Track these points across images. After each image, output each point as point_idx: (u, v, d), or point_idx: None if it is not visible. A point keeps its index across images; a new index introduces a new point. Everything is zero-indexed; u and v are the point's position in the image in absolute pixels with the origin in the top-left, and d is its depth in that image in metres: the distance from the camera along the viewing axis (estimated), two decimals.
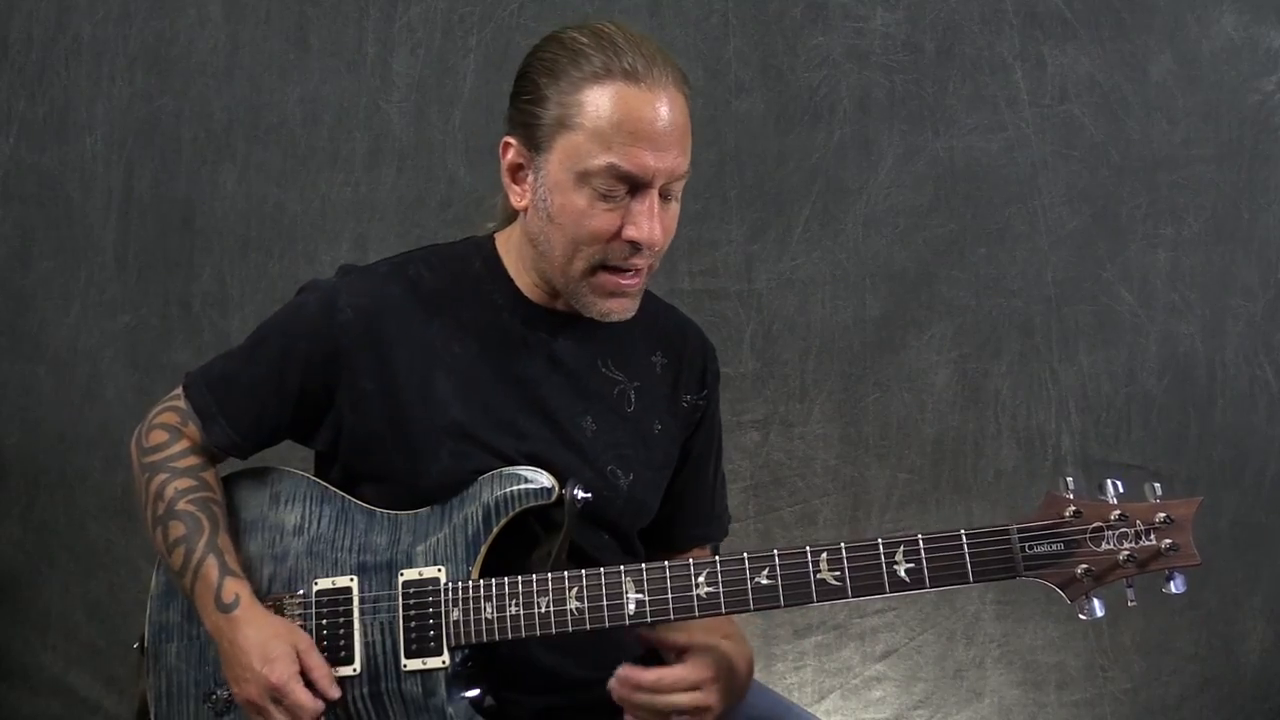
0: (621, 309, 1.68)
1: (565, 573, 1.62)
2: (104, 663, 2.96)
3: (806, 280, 3.00)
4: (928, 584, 1.53)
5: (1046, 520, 1.52)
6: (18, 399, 2.99)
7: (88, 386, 2.98)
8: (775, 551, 1.55)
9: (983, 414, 3.02)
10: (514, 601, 1.62)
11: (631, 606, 1.59)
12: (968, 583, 1.53)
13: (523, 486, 1.66)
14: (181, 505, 1.70)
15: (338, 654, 1.66)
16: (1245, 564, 3.03)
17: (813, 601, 1.56)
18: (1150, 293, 3.01)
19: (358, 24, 2.98)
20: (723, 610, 1.58)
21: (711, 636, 1.64)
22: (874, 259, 3.01)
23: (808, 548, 1.55)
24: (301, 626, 1.68)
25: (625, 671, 1.59)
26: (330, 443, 1.76)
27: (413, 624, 1.64)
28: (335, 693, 1.63)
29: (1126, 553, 1.49)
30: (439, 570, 1.65)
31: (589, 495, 1.66)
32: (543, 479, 1.66)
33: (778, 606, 1.57)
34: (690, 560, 1.60)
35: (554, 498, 1.65)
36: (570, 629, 1.61)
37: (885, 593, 1.54)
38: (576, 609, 1.60)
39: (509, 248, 1.76)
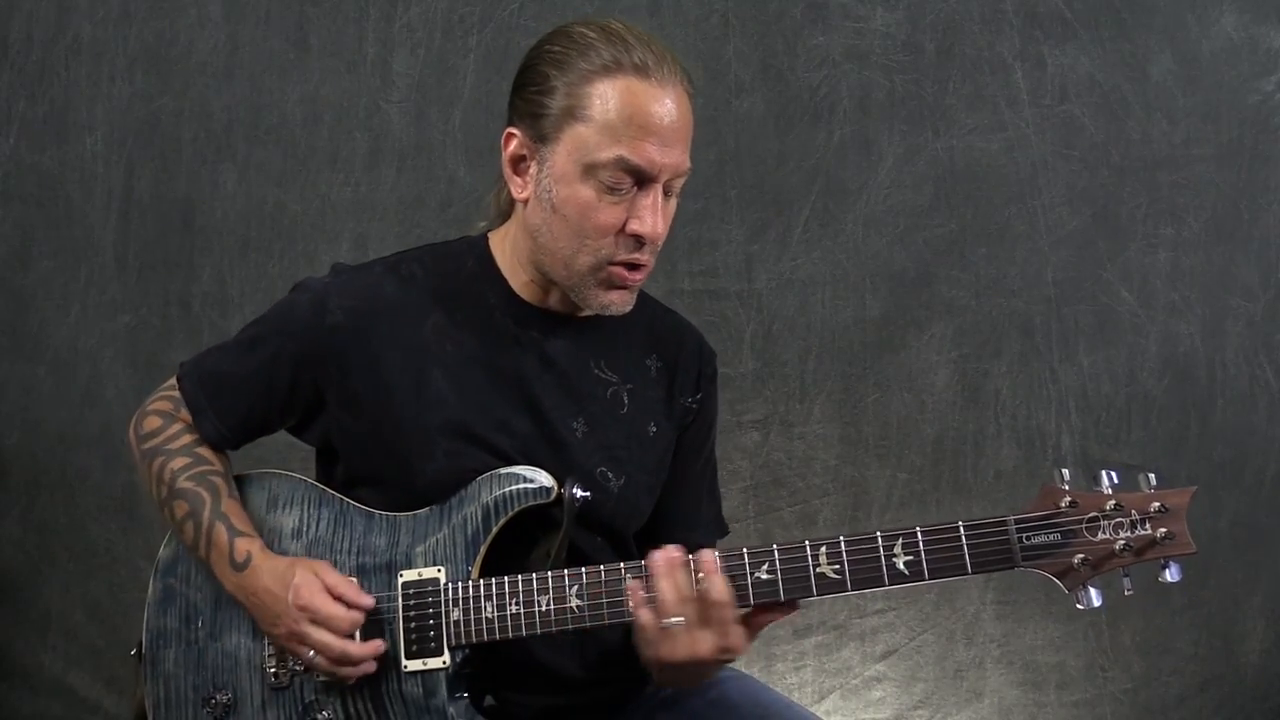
0: (622, 302, 1.68)
1: (565, 571, 1.62)
2: (104, 663, 2.96)
3: (806, 280, 3.00)
4: (926, 576, 1.53)
5: (1043, 511, 1.53)
6: (18, 399, 2.99)
7: (88, 386, 2.98)
8: (774, 546, 1.56)
9: (983, 414, 3.02)
10: (514, 601, 1.62)
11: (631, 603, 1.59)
12: (966, 574, 1.54)
13: (522, 486, 1.66)
14: (182, 483, 1.72)
15: None
16: (1245, 564, 3.04)
17: (813, 595, 1.56)
18: (1150, 293, 3.02)
19: (358, 24, 2.98)
20: None
21: None
22: (874, 259, 3.01)
23: (806, 542, 1.55)
24: None
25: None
26: (324, 441, 1.77)
27: (413, 625, 1.64)
28: (368, 600, 1.63)
29: (1122, 542, 1.51)
30: (438, 570, 1.65)
31: (588, 494, 1.66)
32: (542, 478, 1.66)
33: (777, 601, 1.57)
34: (688, 556, 1.59)
35: (553, 497, 1.65)
36: (571, 627, 1.61)
37: (885, 585, 1.54)
38: (577, 607, 1.60)
39: (503, 246, 1.77)
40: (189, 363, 1.81)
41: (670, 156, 1.60)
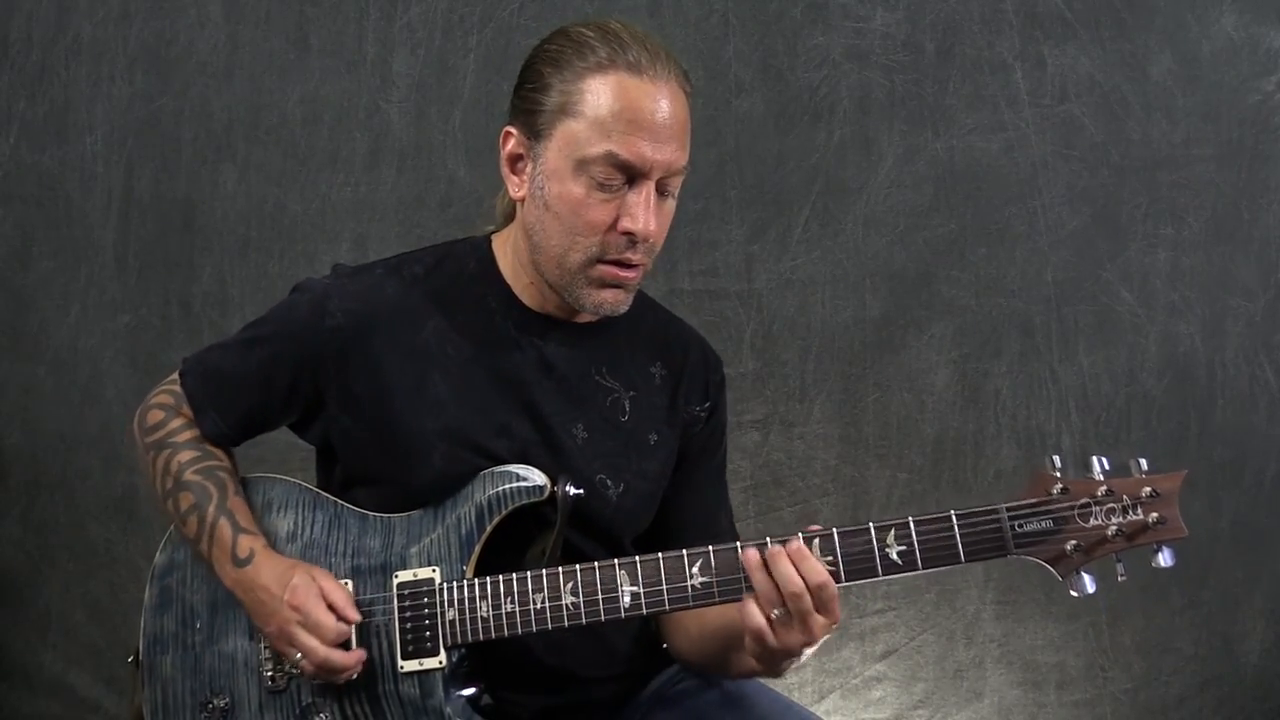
0: (615, 301, 1.67)
1: (559, 568, 1.61)
2: (104, 663, 2.96)
3: (806, 280, 3.00)
4: (920, 565, 1.54)
5: (1034, 498, 1.54)
6: (18, 399, 2.99)
7: (88, 386, 2.98)
8: (768, 539, 1.55)
9: (983, 414, 3.02)
10: (509, 599, 1.62)
11: (626, 599, 1.59)
12: (959, 563, 1.53)
13: (515, 485, 1.66)
14: (188, 476, 1.73)
15: None
16: (1245, 564, 3.04)
17: None
18: (1150, 293, 3.02)
19: (358, 24, 2.98)
20: (717, 600, 1.58)
21: None
22: (874, 259, 3.01)
23: (800, 534, 1.54)
24: None
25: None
26: (323, 440, 1.77)
27: (408, 625, 1.64)
28: (355, 615, 1.63)
29: (1114, 527, 1.51)
30: (433, 571, 1.65)
31: (580, 491, 1.66)
32: (535, 477, 1.66)
33: None
34: (684, 550, 1.59)
35: (546, 495, 1.65)
36: (566, 624, 1.60)
37: (879, 575, 1.54)
38: (572, 604, 1.60)
39: (505, 250, 1.76)
40: (191, 359, 1.81)
41: (662, 153, 1.59)
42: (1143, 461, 1.53)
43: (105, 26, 2.97)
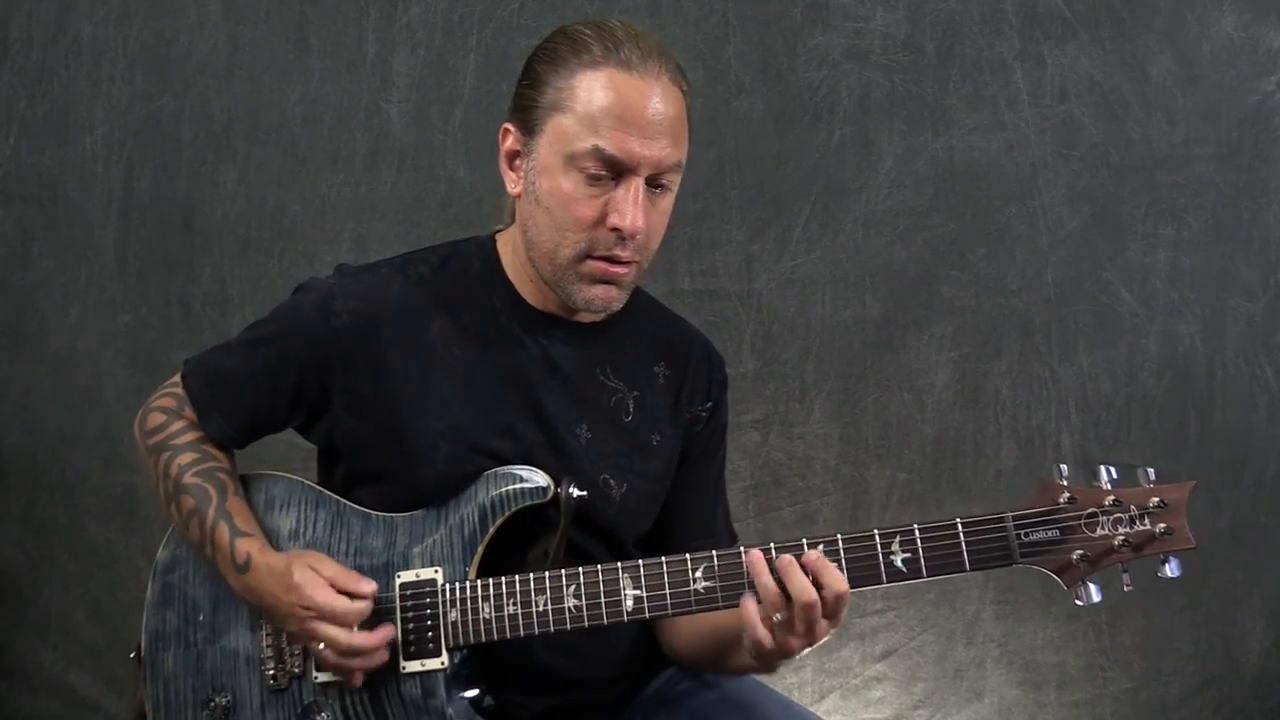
0: (606, 297, 1.66)
1: (562, 571, 1.61)
2: (104, 663, 2.95)
3: (806, 280, 3.00)
4: (924, 574, 1.52)
5: (1041, 507, 1.52)
6: (18, 399, 2.99)
7: (88, 386, 2.98)
8: (772, 545, 1.54)
9: (983, 414, 3.02)
10: (511, 601, 1.62)
11: (629, 603, 1.59)
12: (964, 571, 1.52)
13: (518, 486, 1.65)
14: (188, 478, 1.72)
15: None
16: (1245, 564, 3.04)
17: None
18: (1150, 293, 3.02)
19: (358, 24, 2.98)
20: (720, 605, 1.57)
21: None
22: (874, 259, 3.01)
23: (804, 540, 1.54)
24: None
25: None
26: (326, 441, 1.77)
27: (410, 626, 1.64)
28: (368, 587, 1.63)
29: (1121, 537, 1.50)
30: (436, 571, 1.65)
31: (584, 493, 1.66)
32: (538, 478, 1.65)
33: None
34: (687, 555, 1.59)
35: (550, 496, 1.65)
36: (569, 627, 1.60)
37: (883, 583, 1.53)
38: (574, 607, 1.60)
39: (509, 248, 1.76)
40: (193, 360, 1.80)
41: (651, 149, 1.58)
42: (1150, 471, 1.52)
43: (105, 26, 2.97)
